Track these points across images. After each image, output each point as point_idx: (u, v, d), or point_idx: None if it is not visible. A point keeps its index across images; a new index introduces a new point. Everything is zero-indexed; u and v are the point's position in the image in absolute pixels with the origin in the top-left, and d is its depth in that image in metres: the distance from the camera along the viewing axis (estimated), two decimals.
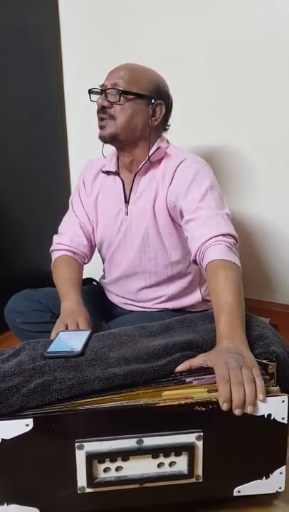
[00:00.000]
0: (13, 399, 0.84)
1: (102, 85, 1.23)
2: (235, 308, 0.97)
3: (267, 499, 0.92)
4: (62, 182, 2.04)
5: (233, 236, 1.12)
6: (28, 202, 1.88)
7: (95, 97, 1.24)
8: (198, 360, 0.91)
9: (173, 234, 1.28)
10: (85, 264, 1.40)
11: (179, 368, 0.91)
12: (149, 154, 1.25)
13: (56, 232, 1.41)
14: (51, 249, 1.39)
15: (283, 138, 1.57)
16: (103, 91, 1.21)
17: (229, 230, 1.12)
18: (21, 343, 1.02)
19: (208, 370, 0.90)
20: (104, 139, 1.25)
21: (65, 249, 1.36)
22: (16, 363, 0.93)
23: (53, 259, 1.38)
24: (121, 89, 1.19)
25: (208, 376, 0.89)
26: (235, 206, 1.68)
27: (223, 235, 1.10)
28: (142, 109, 1.22)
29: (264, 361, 0.92)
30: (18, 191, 1.83)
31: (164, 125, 1.30)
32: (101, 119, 1.23)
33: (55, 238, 1.40)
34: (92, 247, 1.40)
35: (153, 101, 1.22)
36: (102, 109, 1.22)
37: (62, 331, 1.08)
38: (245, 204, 1.67)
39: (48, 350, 0.96)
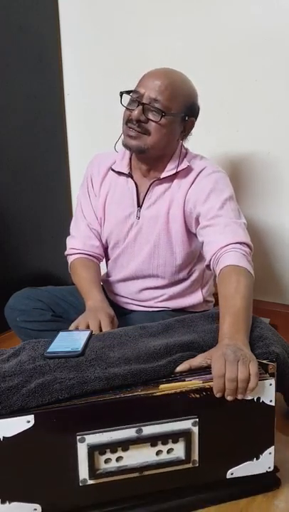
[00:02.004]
0: (13, 399, 0.84)
1: (138, 93, 1.16)
2: (242, 313, 0.98)
3: (267, 499, 0.92)
4: (62, 182, 2.04)
5: (249, 246, 1.13)
6: (28, 202, 1.88)
7: (126, 100, 1.18)
8: (197, 360, 0.92)
9: (185, 242, 1.27)
10: (101, 262, 1.41)
11: (178, 368, 0.92)
12: (177, 170, 1.23)
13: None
14: (66, 253, 1.41)
15: (283, 138, 1.57)
16: (141, 103, 1.14)
17: (246, 240, 1.13)
18: (21, 343, 1.02)
19: (207, 370, 0.90)
20: (131, 149, 1.21)
21: (79, 253, 1.37)
22: (16, 363, 0.93)
23: (69, 263, 1.40)
24: (162, 108, 1.13)
25: (207, 376, 0.89)
26: None
27: (240, 243, 1.11)
28: (176, 128, 1.20)
29: (264, 361, 0.92)
30: (18, 191, 1.83)
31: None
32: (132, 129, 1.16)
33: (68, 242, 1.41)
34: (104, 247, 1.40)
35: (186, 118, 1.20)
36: (137, 121, 1.15)
37: (62, 331, 1.08)
38: (244, 204, 1.67)
39: (48, 350, 0.96)
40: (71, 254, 1.39)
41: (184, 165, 1.24)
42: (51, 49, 1.91)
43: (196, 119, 1.25)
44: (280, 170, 1.60)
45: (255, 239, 1.67)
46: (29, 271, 1.89)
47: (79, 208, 1.40)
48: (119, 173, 1.32)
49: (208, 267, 1.17)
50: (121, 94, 1.18)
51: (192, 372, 0.91)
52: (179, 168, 1.24)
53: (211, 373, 0.88)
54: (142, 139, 1.17)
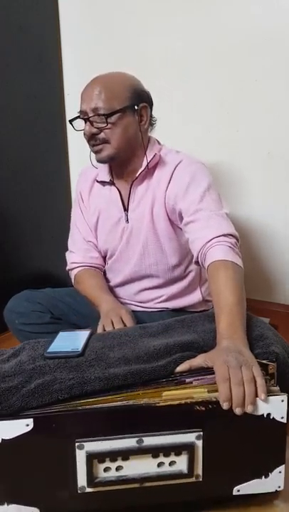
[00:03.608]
0: (13, 399, 0.84)
1: (82, 112, 1.19)
2: (236, 309, 0.97)
3: (267, 498, 0.92)
4: (62, 182, 2.04)
5: (234, 236, 1.12)
6: (28, 202, 1.88)
7: (78, 124, 1.21)
8: (198, 361, 0.91)
9: (172, 238, 1.27)
10: (103, 271, 1.42)
11: (179, 369, 0.91)
12: (147, 162, 1.23)
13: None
14: (67, 268, 1.43)
15: (283, 138, 1.57)
16: (86, 119, 1.18)
17: (230, 230, 1.12)
18: (21, 343, 1.02)
19: (208, 370, 0.90)
20: (104, 162, 1.24)
21: (81, 266, 1.39)
22: (16, 363, 0.93)
23: (72, 277, 1.41)
24: (104, 112, 1.15)
25: (208, 376, 0.89)
26: (235, 206, 1.68)
27: (224, 235, 1.10)
28: (130, 121, 1.20)
29: (264, 361, 0.92)
30: (18, 191, 1.83)
31: (150, 123, 1.28)
32: (94, 145, 1.21)
33: (68, 257, 1.43)
34: (102, 256, 1.41)
35: (136, 107, 1.20)
36: (92, 137, 1.19)
37: (62, 331, 1.08)
38: (244, 204, 1.67)
39: (48, 351, 0.96)
40: (73, 269, 1.41)
41: (155, 159, 1.24)
42: (51, 49, 1.91)
43: (148, 103, 1.24)
44: (280, 170, 1.60)
45: (254, 239, 1.68)
46: (29, 271, 1.89)
47: (73, 224, 1.43)
48: (103, 183, 1.34)
49: (196, 263, 1.16)
50: (70, 122, 1.22)
51: (192, 372, 0.90)
52: (149, 159, 1.23)
53: (211, 374, 0.88)
54: (105, 148, 1.20)
